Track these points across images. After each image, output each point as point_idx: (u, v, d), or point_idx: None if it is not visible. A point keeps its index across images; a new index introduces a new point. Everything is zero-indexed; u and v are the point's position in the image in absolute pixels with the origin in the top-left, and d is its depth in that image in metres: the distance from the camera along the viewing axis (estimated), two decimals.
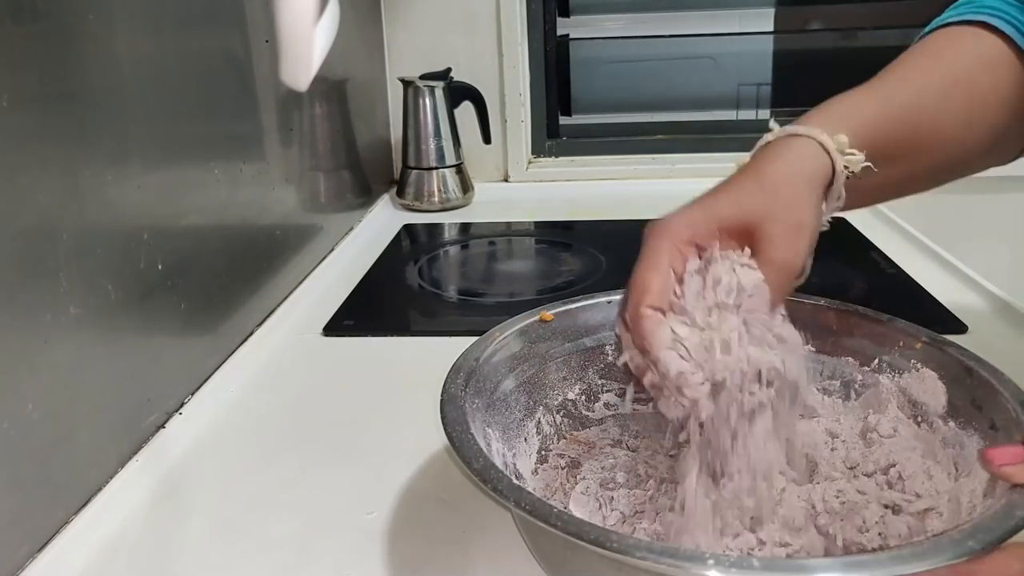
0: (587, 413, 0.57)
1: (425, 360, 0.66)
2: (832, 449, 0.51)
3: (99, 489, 0.54)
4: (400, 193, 1.27)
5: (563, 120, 1.48)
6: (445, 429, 0.44)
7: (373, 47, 1.30)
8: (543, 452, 0.54)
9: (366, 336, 0.80)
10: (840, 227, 1.06)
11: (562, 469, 0.53)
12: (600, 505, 0.49)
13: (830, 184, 0.46)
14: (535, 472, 0.53)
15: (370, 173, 1.26)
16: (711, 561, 0.34)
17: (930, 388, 0.50)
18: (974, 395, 0.47)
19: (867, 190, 0.49)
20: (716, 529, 0.43)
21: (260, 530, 0.52)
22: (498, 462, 0.45)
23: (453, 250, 1.12)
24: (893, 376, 0.53)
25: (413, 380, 0.69)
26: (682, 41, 1.54)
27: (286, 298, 0.87)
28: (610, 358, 0.57)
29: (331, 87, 1.08)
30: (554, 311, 0.57)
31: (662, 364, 0.41)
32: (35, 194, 0.49)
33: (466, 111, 1.28)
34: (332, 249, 1.04)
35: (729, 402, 0.41)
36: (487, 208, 1.28)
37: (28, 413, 0.48)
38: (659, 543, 0.41)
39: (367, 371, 0.74)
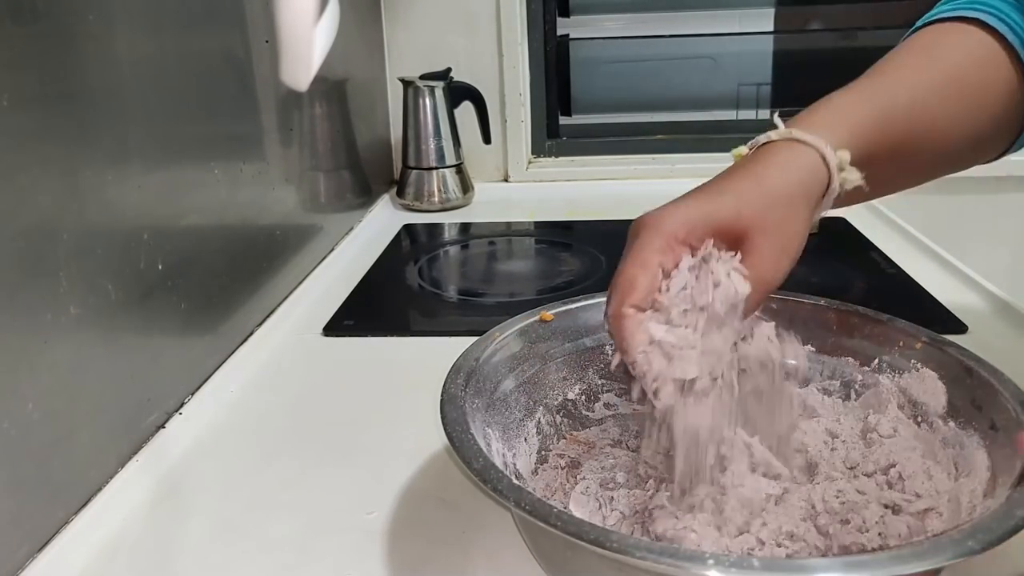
0: (587, 413, 0.57)
1: (425, 360, 0.66)
2: (832, 449, 0.51)
3: (99, 489, 0.54)
4: (400, 193, 1.28)
5: (563, 120, 1.48)
6: (445, 429, 0.44)
7: (373, 47, 1.30)
8: (543, 452, 0.54)
9: (366, 336, 0.80)
10: (840, 227, 1.07)
11: (562, 469, 0.53)
12: (600, 505, 0.49)
13: (822, 195, 0.46)
14: (535, 472, 0.53)
15: (370, 173, 1.26)
16: (711, 561, 0.34)
17: (930, 388, 0.50)
18: (974, 395, 0.47)
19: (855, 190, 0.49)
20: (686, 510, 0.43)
21: (260, 530, 0.52)
22: (498, 462, 0.45)
23: (453, 250, 1.12)
24: (893, 376, 0.53)
25: (413, 380, 0.69)
26: (682, 41, 1.54)
27: (286, 298, 0.87)
28: (610, 358, 0.57)
29: (331, 87, 1.08)
30: (554, 311, 0.57)
31: (638, 367, 0.41)
32: (35, 194, 0.49)
33: (466, 111, 1.28)
34: (332, 249, 1.04)
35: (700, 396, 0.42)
36: (487, 208, 1.28)
37: (28, 413, 0.48)
38: (659, 543, 0.41)
39: (367, 371, 0.74)
